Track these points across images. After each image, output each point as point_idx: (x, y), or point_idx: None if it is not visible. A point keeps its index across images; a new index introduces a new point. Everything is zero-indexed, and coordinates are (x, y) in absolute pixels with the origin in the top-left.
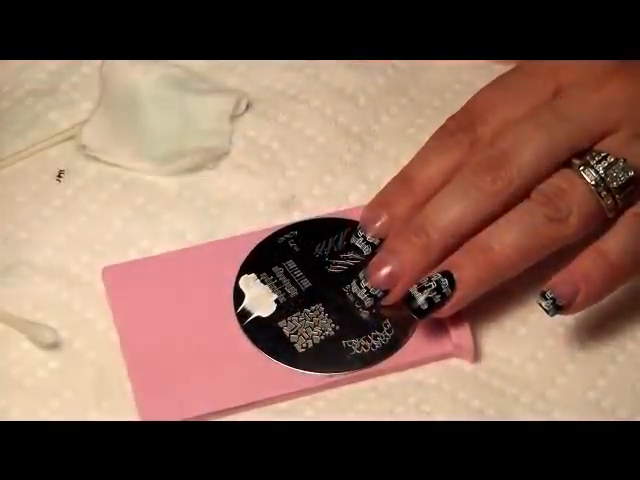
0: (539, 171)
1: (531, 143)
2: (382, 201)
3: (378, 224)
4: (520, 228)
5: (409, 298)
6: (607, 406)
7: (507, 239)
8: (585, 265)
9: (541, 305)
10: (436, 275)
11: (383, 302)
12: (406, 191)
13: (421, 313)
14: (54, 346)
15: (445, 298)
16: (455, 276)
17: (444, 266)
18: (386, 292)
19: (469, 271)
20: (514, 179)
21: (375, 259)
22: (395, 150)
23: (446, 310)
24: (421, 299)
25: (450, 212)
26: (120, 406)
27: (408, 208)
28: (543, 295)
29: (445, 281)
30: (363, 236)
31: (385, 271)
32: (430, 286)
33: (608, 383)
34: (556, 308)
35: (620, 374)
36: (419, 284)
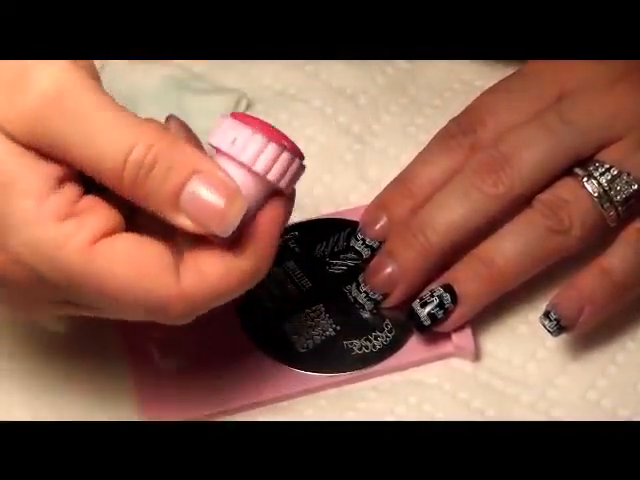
0: (541, 176)
1: (534, 146)
2: (381, 203)
3: (377, 226)
4: (522, 240)
5: (411, 313)
6: (608, 406)
7: (509, 252)
8: (589, 283)
9: (544, 326)
10: (438, 290)
11: (383, 305)
12: (405, 193)
13: (424, 328)
14: (63, 334)
15: (447, 313)
16: (457, 291)
17: (446, 279)
18: (385, 295)
19: (471, 285)
20: (515, 183)
21: (374, 262)
22: (395, 149)
23: (449, 325)
24: (423, 314)
25: (449, 213)
26: (121, 406)
27: (407, 210)
28: (547, 316)
29: (447, 296)
30: (363, 239)
31: (384, 274)
32: (432, 301)
33: (609, 383)
34: (559, 329)
35: (621, 374)
36: (421, 299)
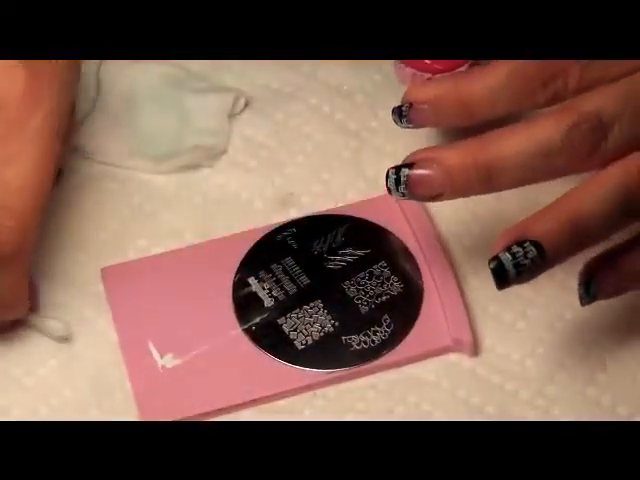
0: (631, 146)
1: (628, 115)
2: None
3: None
4: (608, 190)
5: (500, 268)
6: (607, 403)
7: (595, 212)
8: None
9: (580, 293)
10: (530, 248)
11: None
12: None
13: (506, 285)
14: (64, 339)
15: (535, 269)
16: (545, 248)
17: (532, 236)
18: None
19: (559, 242)
20: (607, 152)
21: (423, 157)
22: (393, 146)
23: (528, 278)
24: (512, 272)
25: (527, 164)
26: (120, 405)
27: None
28: (586, 288)
29: (536, 255)
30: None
31: (428, 176)
32: (525, 263)
33: (608, 379)
34: (592, 299)
35: (620, 370)
36: (512, 253)
